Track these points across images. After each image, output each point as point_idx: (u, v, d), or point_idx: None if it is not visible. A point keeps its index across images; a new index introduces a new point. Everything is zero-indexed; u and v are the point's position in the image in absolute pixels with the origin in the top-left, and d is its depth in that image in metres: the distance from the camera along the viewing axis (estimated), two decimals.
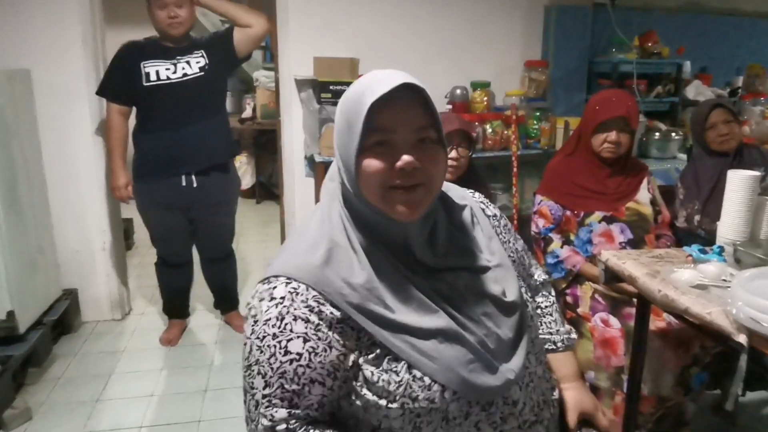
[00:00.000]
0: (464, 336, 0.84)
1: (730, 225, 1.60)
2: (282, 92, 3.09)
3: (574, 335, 1.18)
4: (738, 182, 1.58)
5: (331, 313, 0.80)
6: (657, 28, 3.36)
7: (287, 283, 0.81)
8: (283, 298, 0.80)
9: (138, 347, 2.83)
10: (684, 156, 2.95)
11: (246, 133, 5.50)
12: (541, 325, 1.14)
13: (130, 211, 3.03)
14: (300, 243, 0.87)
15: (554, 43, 3.26)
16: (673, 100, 3.28)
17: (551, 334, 1.14)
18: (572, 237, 2.15)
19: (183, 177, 2.52)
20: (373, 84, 0.80)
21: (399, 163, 0.81)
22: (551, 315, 1.16)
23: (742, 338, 1.22)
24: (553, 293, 1.21)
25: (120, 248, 3.09)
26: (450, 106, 3.12)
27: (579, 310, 2.08)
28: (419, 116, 0.83)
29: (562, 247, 2.13)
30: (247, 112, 5.46)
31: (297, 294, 0.80)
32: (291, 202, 3.16)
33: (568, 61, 3.28)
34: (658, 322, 1.92)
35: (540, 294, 1.17)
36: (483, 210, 1.04)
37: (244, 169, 5.40)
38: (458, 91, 3.11)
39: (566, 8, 3.23)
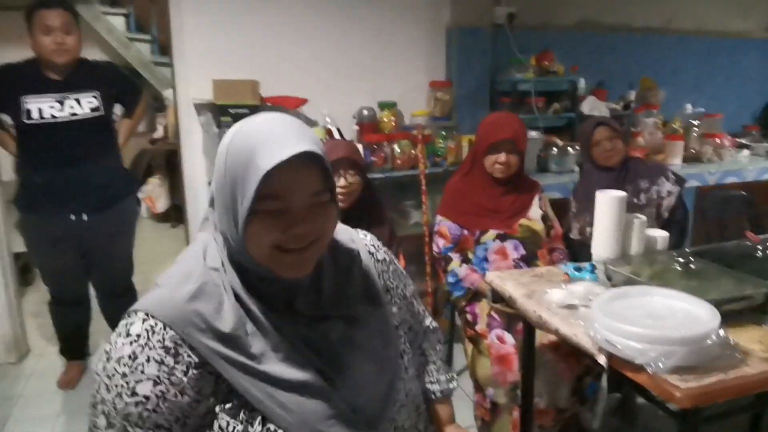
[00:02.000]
0: (328, 390, 0.82)
1: (601, 243, 1.69)
2: (181, 116, 3.01)
3: (453, 384, 1.18)
4: (606, 203, 1.66)
5: (189, 356, 0.76)
6: (554, 47, 3.52)
7: (145, 320, 0.77)
8: (138, 336, 0.76)
9: (35, 392, 2.65)
10: (578, 169, 3.08)
11: (158, 153, 5.31)
12: (426, 374, 1.14)
13: None
14: (171, 277, 0.83)
15: (457, 63, 3.35)
16: (570, 115, 3.43)
17: (432, 383, 1.14)
18: (470, 255, 2.20)
19: (71, 213, 2.39)
20: (267, 143, 0.75)
21: (293, 232, 0.78)
22: (435, 363, 1.16)
23: (602, 359, 1.27)
24: (442, 340, 1.20)
25: (12, 284, 2.89)
26: (358, 127, 3.14)
27: (477, 327, 2.12)
28: (316, 181, 0.80)
29: (461, 266, 2.17)
30: (159, 132, 5.28)
31: (154, 333, 0.76)
32: (196, 229, 3.06)
33: (471, 81, 3.37)
34: (550, 335, 1.98)
35: (427, 341, 1.16)
36: (372, 254, 1.01)
37: (158, 192, 5.21)
38: (365, 112, 3.13)
39: (466, 30, 3.33)
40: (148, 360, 0.75)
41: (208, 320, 0.78)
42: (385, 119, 3.19)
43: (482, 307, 2.13)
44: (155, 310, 0.77)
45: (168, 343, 0.76)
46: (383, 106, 3.23)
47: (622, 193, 1.71)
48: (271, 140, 0.76)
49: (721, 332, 1.21)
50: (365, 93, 3.23)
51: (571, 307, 1.48)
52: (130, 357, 0.75)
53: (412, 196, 3.23)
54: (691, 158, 3.42)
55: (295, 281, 0.83)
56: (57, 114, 2.28)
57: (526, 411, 1.84)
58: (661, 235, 1.76)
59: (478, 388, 2.13)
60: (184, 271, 0.82)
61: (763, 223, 2.60)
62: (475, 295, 2.15)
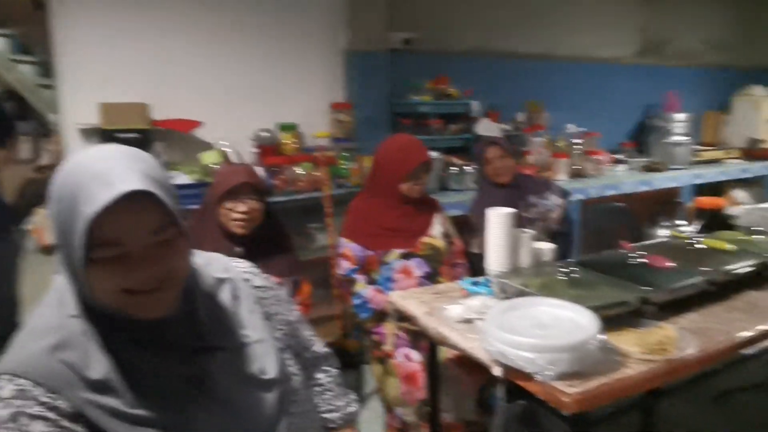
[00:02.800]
0: (209, 425, 0.80)
1: (494, 258, 1.76)
2: (67, 142, 2.82)
3: (353, 407, 1.17)
4: (497, 219, 1.75)
5: (67, 408, 0.73)
6: (449, 71, 3.68)
7: (12, 381, 0.72)
8: (12, 398, 0.71)
9: None
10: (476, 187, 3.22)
11: (44, 182, 4.90)
12: (321, 403, 1.12)
13: None
14: (30, 332, 0.77)
15: (356, 85, 3.41)
16: (467, 136, 3.59)
17: (330, 411, 1.13)
18: (375, 276, 2.22)
19: None
20: (90, 185, 0.69)
21: (134, 276, 0.73)
22: (331, 390, 1.14)
23: (497, 371, 1.32)
24: (335, 365, 1.18)
25: None
26: (257, 150, 3.09)
27: (385, 347, 2.13)
28: (154, 218, 0.74)
29: (366, 287, 2.18)
30: (45, 159, 4.89)
31: (25, 392, 0.71)
32: None
33: (371, 103, 3.44)
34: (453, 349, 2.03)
35: (319, 369, 1.14)
36: (249, 281, 0.98)
37: (46, 222, 4.81)
38: (265, 134, 3.10)
39: (364, 53, 3.40)
40: (31, 418, 0.71)
41: (76, 370, 0.74)
42: (286, 141, 3.17)
43: (389, 328, 2.15)
44: (20, 370, 0.73)
45: (44, 398, 0.72)
46: (284, 128, 3.21)
47: (510, 210, 1.80)
48: (94, 181, 0.69)
49: (601, 337, 1.30)
50: (264, 115, 3.20)
51: (468, 321, 1.53)
52: (11, 419, 0.70)
53: (316, 218, 3.22)
54: (575, 174, 3.69)
55: (163, 317, 0.80)
56: None
57: (434, 427, 1.86)
58: (547, 247, 1.88)
59: (388, 408, 2.14)
60: (42, 323, 0.78)
61: (640, 231, 2.84)
62: (381, 316, 2.17)
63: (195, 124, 2.94)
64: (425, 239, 2.25)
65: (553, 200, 2.54)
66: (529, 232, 1.84)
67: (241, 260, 1.03)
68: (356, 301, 2.19)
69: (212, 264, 0.94)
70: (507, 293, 1.65)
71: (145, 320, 0.78)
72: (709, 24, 5.22)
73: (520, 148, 3.66)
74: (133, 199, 0.70)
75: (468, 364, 2.02)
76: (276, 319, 1.00)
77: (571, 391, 1.20)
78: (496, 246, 1.76)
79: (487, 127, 3.62)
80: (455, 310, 1.57)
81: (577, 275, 1.67)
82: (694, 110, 4.81)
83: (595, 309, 1.41)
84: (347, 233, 2.28)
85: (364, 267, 2.23)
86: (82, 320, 0.77)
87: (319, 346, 1.14)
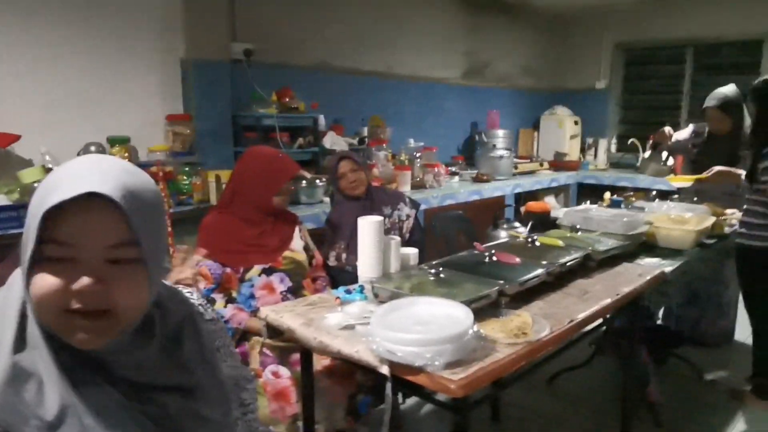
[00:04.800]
0: None
1: (366, 265, 1.81)
2: None
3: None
4: (367, 227, 1.79)
5: None
6: (294, 85, 3.68)
7: None
8: None
9: None
10: (328, 200, 3.26)
11: None
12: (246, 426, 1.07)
13: None
14: None
15: (196, 96, 3.24)
16: (314, 150, 3.62)
17: None
18: (234, 294, 2.13)
19: None
20: (61, 180, 0.67)
21: (75, 286, 0.66)
22: (253, 413, 1.08)
23: (384, 369, 1.35)
24: (255, 382, 1.12)
25: None
26: None
27: (250, 367, 2.04)
28: (113, 232, 0.68)
29: (225, 306, 2.07)
30: None
31: None
32: None
33: (212, 115, 3.30)
34: (323, 360, 2.02)
35: (245, 391, 1.08)
36: (202, 314, 0.92)
37: None
38: (93, 148, 2.79)
39: (204, 63, 3.25)
40: None
41: (30, 408, 0.66)
42: (117, 156, 2.89)
43: (252, 346, 2.07)
44: None
45: None
46: (113, 141, 2.93)
47: (379, 218, 1.86)
48: (66, 178, 0.67)
49: (475, 327, 1.41)
50: (93, 127, 2.89)
51: (348, 327, 1.54)
52: None
53: None
54: (417, 185, 3.92)
55: (109, 344, 0.72)
56: None
57: None
58: (413, 252, 1.97)
59: None
60: None
61: (477, 237, 3.10)
62: (243, 335, 2.08)
63: (14, 137, 2.54)
64: (287, 253, 2.21)
65: (406, 211, 2.68)
66: (396, 238, 1.92)
67: (191, 290, 0.97)
68: None
69: (169, 294, 0.87)
70: (381, 297, 1.69)
71: (86, 351, 0.70)
72: (521, 52, 5.96)
73: (366, 161, 3.78)
74: (97, 205, 0.66)
75: (337, 373, 2.04)
76: (224, 351, 0.96)
77: (456, 378, 1.28)
78: (368, 253, 1.80)
79: (334, 141, 3.69)
80: (335, 317, 1.57)
81: (442, 275, 1.77)
82: (512, 127, 5.44)
83: (465, 303, 1.52)
84: (202, 251, 2.16)
85: (222, 285, 2.12)
86: (33, 348, 0.70)
87: (246, 370, 1.10)
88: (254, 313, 2.07)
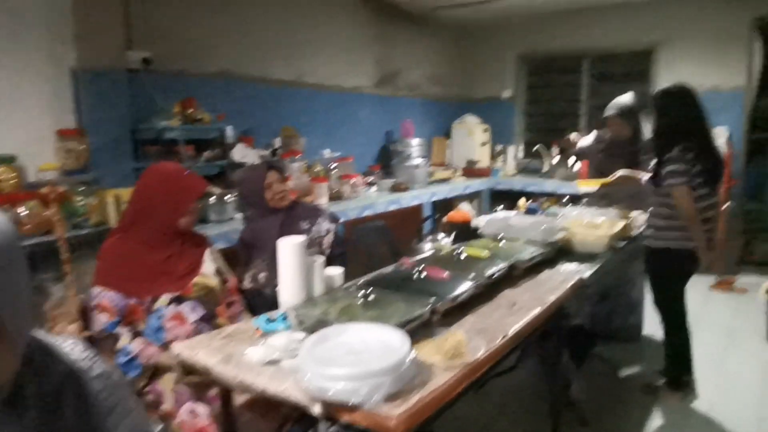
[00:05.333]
0: None
1: (288, 290, 1.67)
2: None
3: None
4: (288, 249, 1.66)
5: None
6: (198, 94, 3.45)
7: None
8: None
9: None
10: (239, 216, 3.06)
11: None
12: None
13: None
14: None
15: (89, 109, 2.94)
16: (222, 163, 3.40)
17: None
18: (141, 327, 1.91)
19: None
20: None
21: None
22: None
23: (316, 408, 1.23)
24: None
25: None
26: None
27: (164, 407, 1.84)
28: None
29: (132, 341, 1.86)
30: None
31: None
32: None
33: (109, 129, 3.01)
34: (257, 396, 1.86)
35: None
36: (87, 370, 0.78)
37: None
38: None
39: (97, 73, 2.96)
40: None
41: None
42: (2, 177, 2.56)
43: (165, 384, 1.86)
44: None
45: None
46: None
47: (300, 238, 1.73)
48: None
49: (413, 353, 1.32)
50: None
51: (274, 362, 1.41)
52: None
53: (49, 267, 2.64)
54: (334, 197, 3.81)
55: None
56: None
57: None
58: (338, 272, 1.86)
59: None
60: None
61: (398, 247, 3.05)
62: (155, 372, 1.87)
63: None
64: (197, 279, 2.03)
65: (325, 225, 2.56)
66: (319, 259, 1.80)
67: (74, 341, 0.82)
68: (121, 359, 1.85)
69: (50, 353, 0.74)
70: (306, 325, 1.57)
71: None
72: (430, 61, 6.02)
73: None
74: None
75: (262, 406, 1.89)
76: (120, 409, 0.81)
77: (396, 413, 1.18)
78: (290, 277, 1.67)
79: (244, 153, 3.49)
80: (257, 352, 1.42)
81: (370, 296, 1.67)
82: (425, 136, 5.47)
83: (398, 326, 1.43)
84: (102, 281, 1.93)
85: (127, 318, 1.90)
86: None
87: (157, 428, 0.94)
88: (164, 346, 1.88)
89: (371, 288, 1.73)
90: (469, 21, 6.13)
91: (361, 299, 1.65)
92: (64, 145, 2.86)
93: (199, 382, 1.85)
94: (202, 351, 1.52)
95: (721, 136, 3.98)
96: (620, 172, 3.26)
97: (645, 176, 3.19)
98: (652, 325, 3.71)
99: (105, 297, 1.89)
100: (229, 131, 3.50)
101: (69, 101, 2.92)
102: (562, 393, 2.59)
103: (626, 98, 3.46)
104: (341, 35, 4.77)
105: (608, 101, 3.62)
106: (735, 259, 5.18)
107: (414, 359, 1.33)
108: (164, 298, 1.93)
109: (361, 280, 1.93)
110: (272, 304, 2.07)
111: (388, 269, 2.06)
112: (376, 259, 2.98)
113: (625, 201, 3.37)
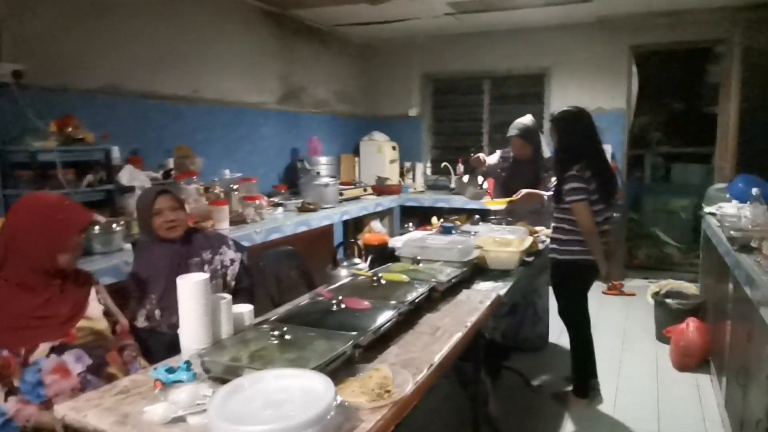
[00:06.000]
0: None
1: (191, 334, 1.48)
2: None
3: None
4: (189, 289, 1.47)
5: None
6: (79, 112, 3.08)
7: None
8: None
9: None
10: (129, 247, 2.75)
11: None
12: None
13: None
14: None
15: None
16: (108, 188, 3.06)
17: None
18: (16, 383, 1.63)
19: None
20: None
21: None
22: None
23: None
24: None
25: None
26: None
27: None
28: None
29: (6, 400, 1.61)
30: None
31: None
32: None
33: None
34: None
35: None
36: None
37: None
38: None
39: None
40: None
41: None
42: None
43: None
44: None
45: None
46: None
47: (202, 276, 1.55)
48: None
49: (339, 398, 1.20)
50: None
51: (179, 420, 1.21)
52: None
53: None
54: (236, 221, 3.56)
55: None
56: None
57: None
58: (247, 309, 1.69)
59: None
60: None
61: (311, 273, 2.90)
62: None
63: None
64: (82, 323, 1.78)
65: (230, 255, 2.35)
66: (226, 297, 1.61)
67: None
68: None
69: None
70: (213, 373, 1.39)
71: None
72: (336, 78, 5.94)
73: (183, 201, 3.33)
74: None
75: None
76: None
77: None
78: (192, 320, 1.47)
79: (133, 176, 3.18)
80: (158, 410, 1.22)
81: (286, 335, 1.52)
82: (333, 153, 5.35)
83: (320, 369, 1.30)
84: None
85: (0, 373, 1.62)
86: None
87: None
88: (45, 404, 1.62)
89: (286, 325, 1.58)
90: (374, 39, 6.14)
91: (276, 339, 1.50)
92: None
93: None
94: (92, 411, 1.29)
95: (607, 154, 4.26)
96: (525, 191, 3.37)
97: (546, 193, 3.32)
98: (556, 334, 3.87)
99: None
100: (115, 152, 3.16)
101: None
102: (480, 409, 2.57)
103: (526, 120, 3.60)
104: (242, 49, 4.55)
105: (508, 120, 3.75)
106: (622, 265, 5.55)
107: (340, 404, 1.21)
108: (43, 347, 1.68)
109: (274, 317, 1.76)
110: (170, 345, 1.85)
111: (303, 301, 1.92)
112: (286, 287, 2.80)
113: (528, 217, 3.47)
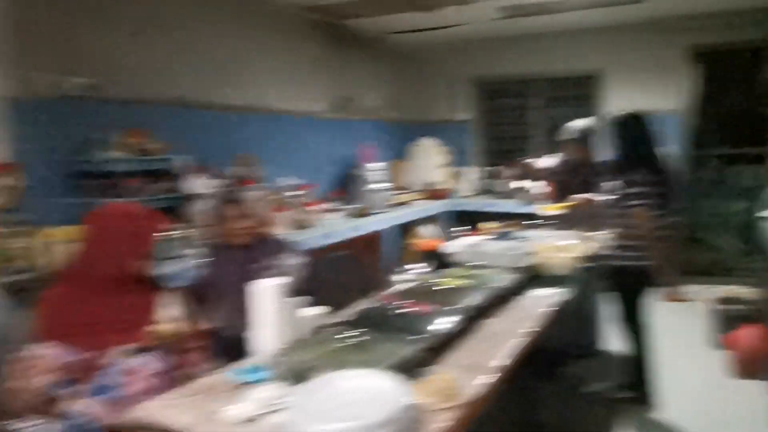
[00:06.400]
0: None
1: (265, 337, 1.53)
2: None
3: None
4: (263, 294, 1.52)
5: None
6: (146, 123, 3.24)
7: None
8: None
9: None
10: (195, 253, 2.84)
11: None
12: None
13: None
14: None
15: (23, 141, 2.70)
16: (175, 196, 3.19)
17: None
18: (94, 385, 1.72)
19: None
20: None
21: None
22: None
23: None
24: None
25: None
26: None
27: None
28: None
29: (84, 401, 1.66)
30: None
31: None
32: None
33: (45, 162, 2.78)
34: None
35: None
36: None
37: None
38: None
39: (31, 102, 2.73)
40: None
41: None
42: None
43: None
44: None
45: None
46: None
47: (277, 280, 1.60)
48: None
49: (411, 399, 1.22)
50: None
51: (255, 419, 1.26)
52: None
53: None
54: (295, 226, 3.64)
55: None
56: None
57: None
58: (315, 313, 1.73)
59: None
60: None
61: (367, 275, 2.93)
62: None
63: None
64: (155, 327, 1.85)
65: (291, 261, 2.41)
66: (296, 300, 1.66)
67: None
68: (70, 425, 1.64)
69: None
70: (288, 374, 1.43)
71: None
72: (385, 84, 6.00)
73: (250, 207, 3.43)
74: None
75: None
76: None
77: None
78: (265, 323, 1.53)
79: (196, 185, 3.30)
80: (236, 409, 1.27)
81: (354, 338, 1.56)
82: (383, 159, 5.39)
83: (392, 369, 1.33)
84: (45, 334, 1.73)
85: (78, 375, 1.70)
86: None
87: None
88: (122, 404, 1.68)
89: (352, 329, 1.61)
90: (423, 45, 6.16)
91: (345, 342, 1.53)
92: None
93: None
94: (171, 410, 1.35)
95: (667, 157, 4.14)
96: (582, 196, 3.33)
97: (602, 198, 3.26)
98: (611, 340, 3.77)
99: (48, 353, 1.69)
100: (179, 161, 3.30)
101: (2, 134, 2.67)
102: (535, 416, 2.54)
103: (582, 123, 3.55)
104: (293, 60, 4.67)
105: (558, 124, 3.70)
106: (680, 270, 5.35)
107: (413, 405, 1.23)
108: (119, 350, 1.75)
109: (340, 320, 1.80)
110: (236, 349, 1.91)
111: (367, 305, 1.95)
112: (344, 291, 2.84)
113: (584, 222, 3.41)
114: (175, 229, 2.92)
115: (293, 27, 4.69)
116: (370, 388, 1.26)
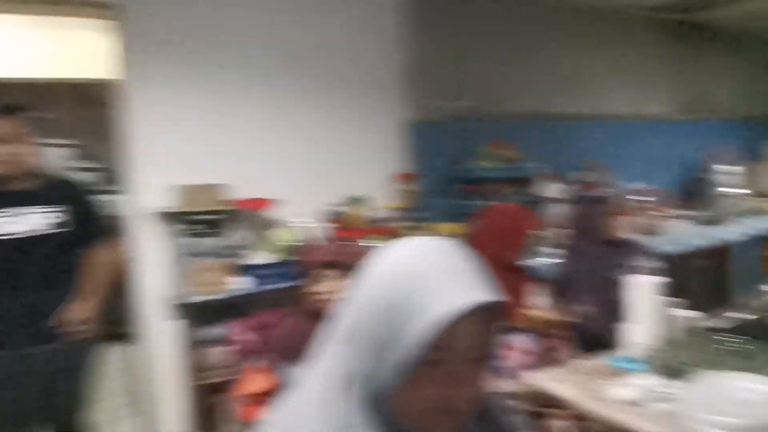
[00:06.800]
0: None
1: (640, 331, 1.64)
2: (134, 225, 2.75)
3: None
4: (641, 290, 1.64)
5: None
6: (507, 135, 3.66)
7: None
8: None
9: None
10: (550, 251, 3.08)
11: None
12: None
13: None
14: None
15: (419, 155, 3.41)
16: (532, 199, 3.53)
17: None
18: None
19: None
20: (441, 282, 0.67)
21: (461, 394, 0.68)
22: None
23: None
24: None
25: None
26: (335, 224, 3.05)
27: None
28: (482, 337, 0.69)
29: None
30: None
31: None
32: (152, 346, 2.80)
33: (435, 172, 3.44)
34: None
35: None
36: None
37: None
38: (334, 208, 3.07)
39: (425, 123, 3.42)
40: None
41: None
42: (355, 214, 3.12)
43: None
44: None
45: None
46: (353, 201, 3.17)
47: (657, 279, 1.70)
48: (445, 279, 0.68)
49: None
50: (334, 188, 3.15)
51: (637, 403, 1.40)
52: None
53: None
54: (641, 231, 3.57)
55: None
56: (16, 229, 2.00)
57: None
58: (689, 315, 1.76)
59: None
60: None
61: (726, 287, 2.70)
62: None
63: (268, 202, 2.90)
64: (530, 311, 2.14)
65: (643, 262, 2.43)
66: (670, 300, 1.73)
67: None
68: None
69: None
70: (668, 369, 1.52)
71: None
72: (739, 78, 5.30)
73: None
74: (476, 311, 0.66)
75: None
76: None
77: None
78: (640, 318, 1.65)
79: (556, 188, 3.58)
80: (622, 390, 1.44)
81: (738, 345, 1.55)
82: (737, 162, 4.77)
83: None
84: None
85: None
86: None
87: None
88: (503, 375, 2.01)
89: (732, 335, 1.60)
90: None
91: (726, 347, 1.54)
92: (402, 187, 3.35)
93: None
94: (557, 383, 1.60)
95: None
96: None
97: None
98: None
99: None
100: (535, 168, 3.62)
101: (403, 149, 3.43)
102: None
103: None
104: (639, 63, 4.55)
105: None
106: None
107: None
108: (499, 326, 2.08)
109: (713, 325, 1.78)
110: (598, 341, 2.04)
111: (751, 316, 1.86)
112: (704, 301, 2.70)
113: None
114: (544, 227, 3.23)
115: (639, 30, 4.57)
116: (761, 392, 1.27)
